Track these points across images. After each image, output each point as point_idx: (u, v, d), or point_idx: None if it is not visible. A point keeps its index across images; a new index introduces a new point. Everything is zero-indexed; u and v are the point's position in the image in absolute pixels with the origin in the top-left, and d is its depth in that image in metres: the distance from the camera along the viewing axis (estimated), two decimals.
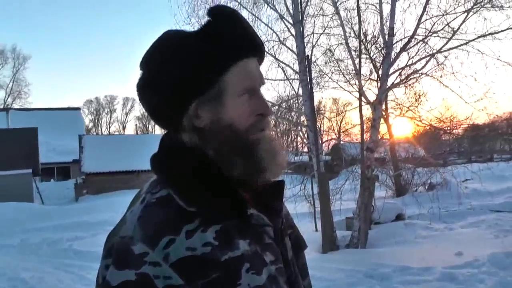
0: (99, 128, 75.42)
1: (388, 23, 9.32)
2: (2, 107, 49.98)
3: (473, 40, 8.99)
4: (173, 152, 0.98)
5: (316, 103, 12.51)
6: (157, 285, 0.83)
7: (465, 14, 8.97)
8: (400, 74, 9.84)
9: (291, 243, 1.07)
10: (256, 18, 10.42)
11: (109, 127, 76.75)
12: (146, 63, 0.98)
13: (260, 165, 0.96)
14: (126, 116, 77.81)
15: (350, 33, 10.05)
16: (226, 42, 0.94)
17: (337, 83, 11.12)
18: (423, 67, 9.64)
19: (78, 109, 47.52)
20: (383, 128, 10.96)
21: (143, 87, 0.99)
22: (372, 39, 10.09)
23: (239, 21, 0.98)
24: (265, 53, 1.06)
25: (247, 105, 0.97)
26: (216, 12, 0.96)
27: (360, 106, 9.83)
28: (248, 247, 0.93)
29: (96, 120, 76.19)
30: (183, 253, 0.86)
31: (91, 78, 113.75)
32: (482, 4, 8.87)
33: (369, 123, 9.93)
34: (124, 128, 77.32)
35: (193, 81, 0.94)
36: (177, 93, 0.95)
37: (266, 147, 0.97)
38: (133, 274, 0.83)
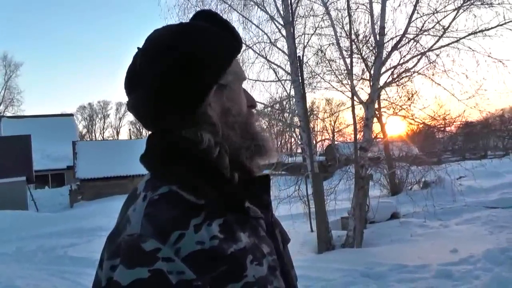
0: (93, 134, 75.16)
1: (379, 23, 9.36)
2: None
3: (463, 37, 9.02)
4: (173, 149, 0.96)
5: (309, 103, 12.54)
6: (171, 280, 0.82)
7: (455, 12, 9.00)
8: (392, 73, 9.86)
9: (282, 235, 1.09)
10: (247, 20, 10.44)
11: (103, 133, 76.55)
12: (162, 53, 0.93)
13: (264, 149, 1.03)
14: (120, 121, 77.58)
15: (341, 33, 10.08)
16: (235, 34, 1.00)
17: (329, 83, 11.13)
18: (414, 65, 9.67)
19: (71, 115, 47.28)
20: (376, 127, 10.98)
21: (157, 83, 0.93)
22: (363, 39, 10.11)
23: (229, 22, 1.03)
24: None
25: (244, 95, 1.04)
26: (213, 13, 1.03)
27: (353, 105, 9.85)
28: (248, 240, 0.94)
29: (90, 126, 75.96)
30: (194, 247, 0.86)
31: (84, 84, 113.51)
32: (472, 1, 8.90)
33: (362, 122, 9.94)
34: (118, 133, 77.17)
35: (216, 63, 0.95)
36: (203, 74, 0.93)
37: (264, 134, 1.05)
38: (146, 272, 0.81)
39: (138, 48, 0.99)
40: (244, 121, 1.02)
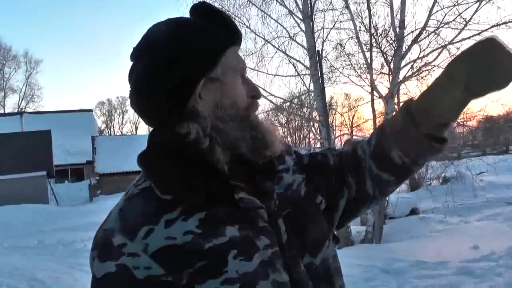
0: (112, 129, 75.70)
1: (398, 16, 9.26)
2: (16, 111, 50.34)
3: (486, 30, 8.80)
4: (158, 144, 0.97)
5: (327, 98, 12.41)
6: (137, 275, 0.84)
7: (478, 3, 8.83)
8: (412, 67, 9.75)
9: (291, 221, 1.00)
10: (266, 15, 10.40)
11: (122, 128, 76.99)
12: (150, 49, 0.95)
13: (265, 140, 0.98)
14: (138, 117, 78.08)
15: (360, 27, 9.97)
16: (225, 26, 0.98)
17: (348, 77, 11.02)
18: (435, 59, 9.55)
19: (90, 111, 47.73)
20: None
21: (145, 78, 0.95)
22: (383, 32, 9.98)
23: (225, 13, 1.03)
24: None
25: (243, 86, 1.00)
26: (207, 5, 1.00)
27: (372, 100, 9.75)
28: (237, 233, 0.90)
29: (109, 121, 76.42)
30: (163, 243, 0.86)
31: (103, 80, 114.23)
32: None
33: (381, 117, 9.85)
34: (136, 128, 77.39)
35: (202, 56, 0.94)
36: (188, 68, 0.93)
37: (265, 124, 1.01)
38: (113, 266, 0.85)
39: None
40: (241, 113, 0.97)
